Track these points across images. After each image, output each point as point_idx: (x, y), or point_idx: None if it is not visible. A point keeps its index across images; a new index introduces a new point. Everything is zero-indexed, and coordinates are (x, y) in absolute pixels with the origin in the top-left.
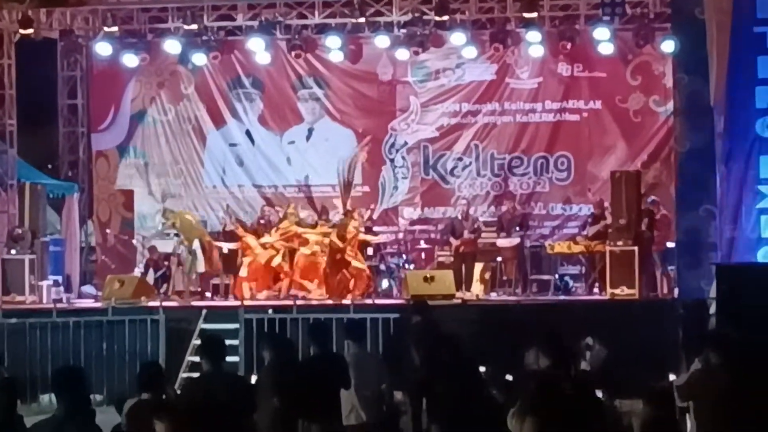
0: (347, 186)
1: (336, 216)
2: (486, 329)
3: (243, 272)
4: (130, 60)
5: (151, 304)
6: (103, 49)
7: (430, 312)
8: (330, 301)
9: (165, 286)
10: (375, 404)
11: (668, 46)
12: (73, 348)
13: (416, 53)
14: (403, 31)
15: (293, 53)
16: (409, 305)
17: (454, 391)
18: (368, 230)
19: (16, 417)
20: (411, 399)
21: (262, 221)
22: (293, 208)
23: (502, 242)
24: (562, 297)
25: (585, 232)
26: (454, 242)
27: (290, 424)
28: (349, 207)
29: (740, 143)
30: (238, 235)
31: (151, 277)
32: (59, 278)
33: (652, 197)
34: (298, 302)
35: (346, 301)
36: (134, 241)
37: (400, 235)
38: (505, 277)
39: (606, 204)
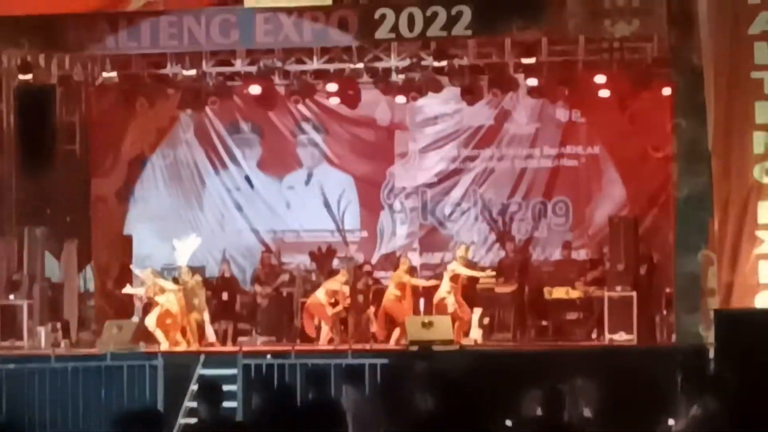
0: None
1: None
2: (485, 375)
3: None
4: (129, 105)
5: (150, 349)
6: (101, 94)
7: (436, 358)
8: (327, 347)
9: None
10: None
11: (666, 91)
12: (72, 393)
13: (414, 99)
14: (402, 76)
15: (292, 98)
16: (412, 351)
17: None
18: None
19: None
20: None
21: (261, 267)
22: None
23: (501, 288)
24: (560, 343)
25: (583, 278)
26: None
27: None
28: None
29: (738, 189)
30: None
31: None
32: (57, 324)
33: (647, 243)
34: (297, 347)
35: (344, 347)
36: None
37: None
38: (503, 323)
39: (604, 249)
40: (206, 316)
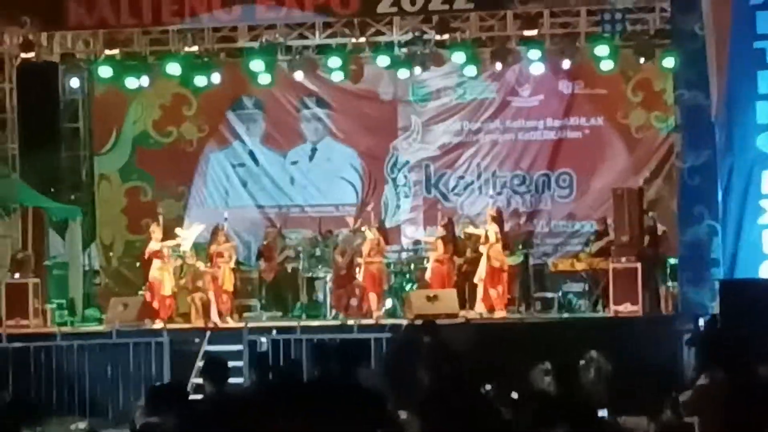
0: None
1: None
2: (490, 348)
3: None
4: (132, 82)
5: (155, 326)
6: (104, 72)
7: (440, 332)
8: (333, 322)
9: None
10: None
11: (669, 62)
12: (78, 371)
13: (417, 73)
14: (404, 50)
15: (294, 74)
16: (417, 325)
17: (464, 411)
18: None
19: None
20: (419, 419)
21: (266, 243)
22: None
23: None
24: (565, 315)
25: (588, 249)
26: (457, 261)
27: None
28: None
29: (742, 159)
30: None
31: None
32: (63, 302)
33: (651, 214)
34: (302, 323)
35: (351, 322)
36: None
37: (403, 255)
38: (508, 296)
39: (609, 221)
40: (212, 297)
